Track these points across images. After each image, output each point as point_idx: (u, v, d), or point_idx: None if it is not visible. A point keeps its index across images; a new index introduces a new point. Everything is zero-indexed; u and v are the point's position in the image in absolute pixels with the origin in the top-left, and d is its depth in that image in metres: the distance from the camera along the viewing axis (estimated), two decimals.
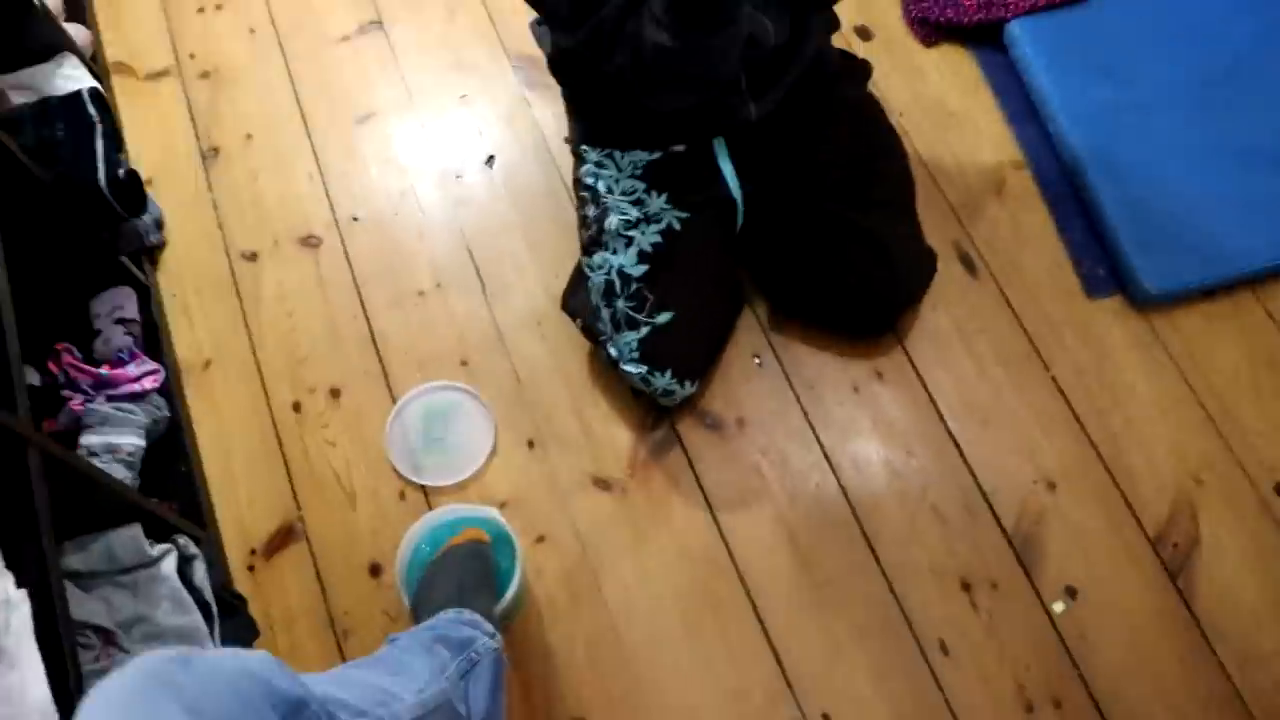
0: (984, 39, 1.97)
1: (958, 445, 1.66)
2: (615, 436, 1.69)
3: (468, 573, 1.40)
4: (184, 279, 1.87)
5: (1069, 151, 1.81)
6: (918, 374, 1.71)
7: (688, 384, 1.62)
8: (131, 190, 1.73)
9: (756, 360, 1.73)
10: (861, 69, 1.72)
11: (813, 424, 1.68)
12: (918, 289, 1.71)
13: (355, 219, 1.90)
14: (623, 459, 1.67)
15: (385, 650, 1.15)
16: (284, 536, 1.65)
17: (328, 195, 1.93)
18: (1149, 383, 1.69)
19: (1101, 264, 1.77)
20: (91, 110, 1.72)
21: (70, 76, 1.86)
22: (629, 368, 1.61)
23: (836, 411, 1.69)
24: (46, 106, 1.71)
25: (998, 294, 1.77)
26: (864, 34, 2.03)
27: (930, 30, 1.98)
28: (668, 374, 1.59)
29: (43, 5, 1.83)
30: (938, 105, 1.92)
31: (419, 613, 1.36)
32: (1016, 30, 1.91)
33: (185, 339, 1.82)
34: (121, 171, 1.70)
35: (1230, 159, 1.77)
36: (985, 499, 1.62)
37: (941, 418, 1.68)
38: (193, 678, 0.82)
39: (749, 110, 1.56)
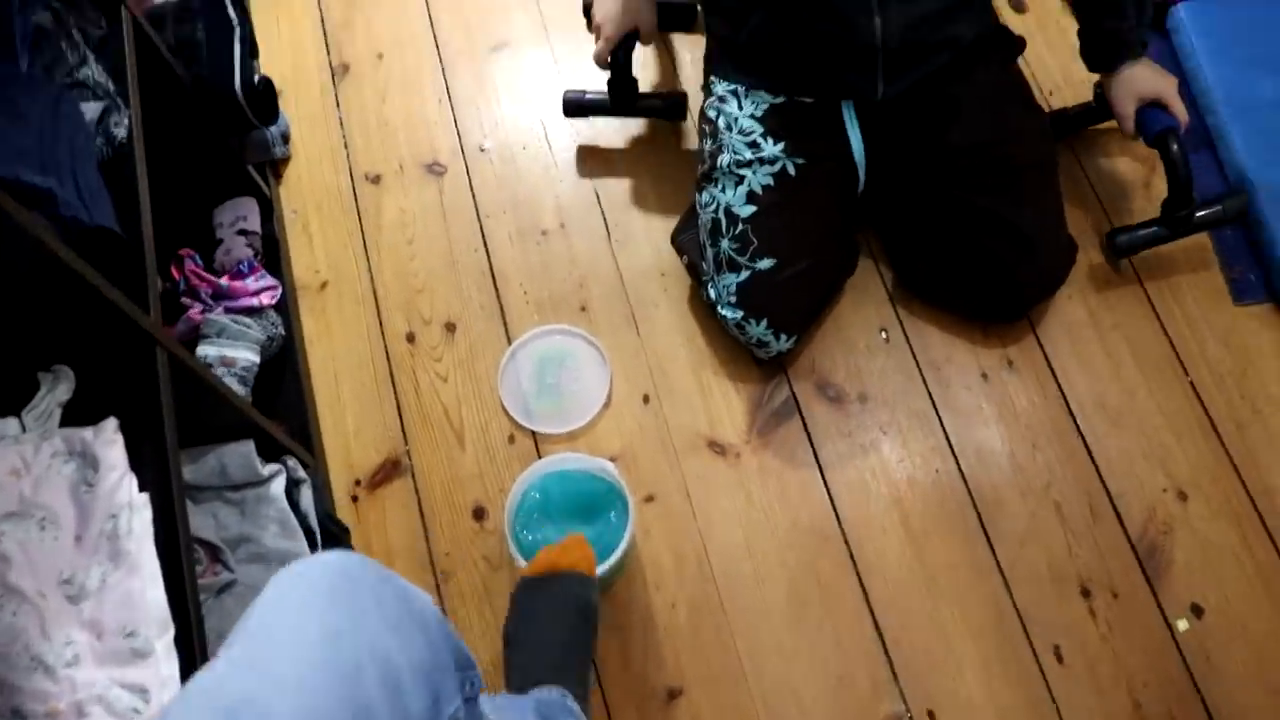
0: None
1: (1086, 444, 1.54)
2: (733, 400, 1.58)
3: (575, 638, 1.27)
4: (306, 196, 1.78)
5: (1229, 148, 1.66)
6: (1050, 366, 1.59)
7: (784, 337, 1.51)
8: (265, 98, 1.63)
9: (884, 334, 1.62)
10: (1010, 45, 1.58)
11: (937, 406, 1.57)
12: (1055, 280, 1.58)
13: (482, 149, 1.80)
14: (739, 424, 1.57)
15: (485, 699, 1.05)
16: (389, 470, 1.57)
17: (456, 123, 1.83)
18: None
19: (1253, 269, 1.63)
20: (231, 13, 1.62)
21: None
22: (725, 311, 1.51)
23: (963, 396, 1.58)
24: (188, 5, 1.61)
25: (1139, 289, 1.64)
26: (1018, 5, 1.89)
27: None
28: (763, 323, 1.49)
29: None
30: (1091, 87, 1.77)
31: (514, 648, 1.26)
32: (1183, 14, 1.76)
33: (303, 258, 1.74)
34: (257, 78, 1.61)
35: None
36: (1111, 503, 1.50)
37: (1071, 414, 1.56)
38: (392, 591, 0.77)
39: (877, 88, 1.45)
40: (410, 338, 1.66)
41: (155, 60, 1.40)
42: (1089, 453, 1.53)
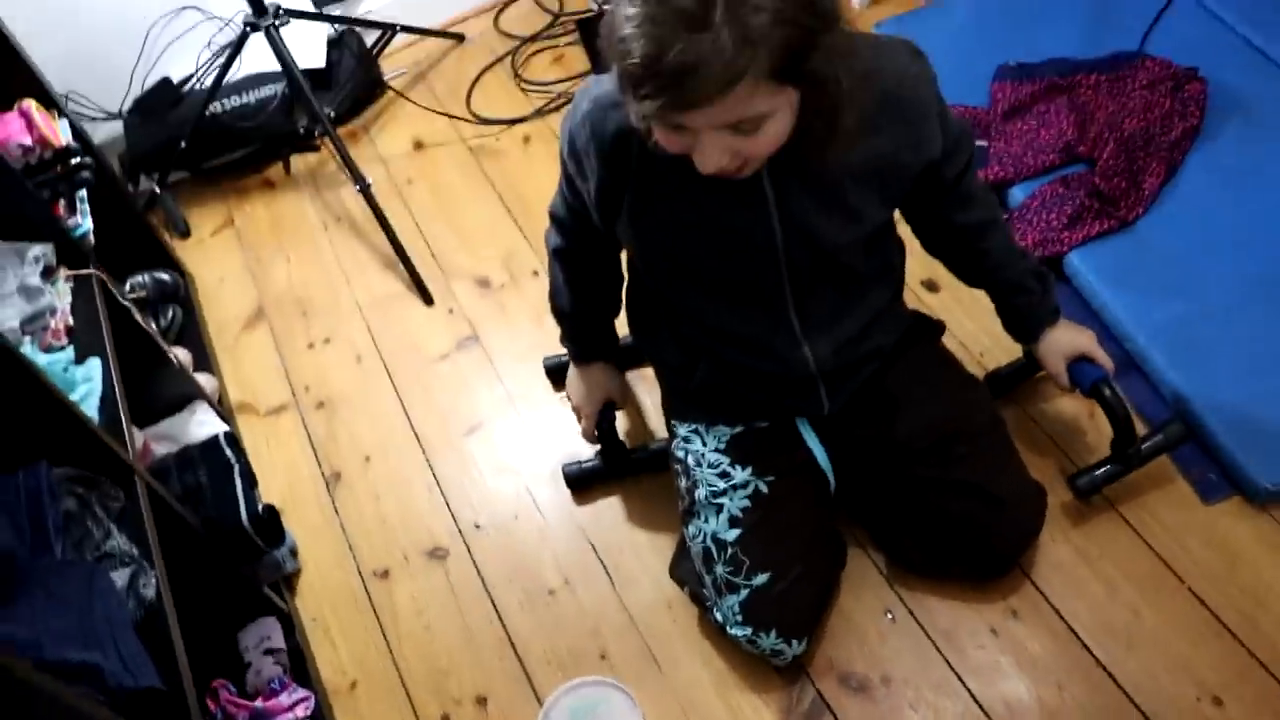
0: None
1: (1108, 672, 1.57)
2: (763, 713, 1.61)
3: None
4: (321, 602, 1.87)
5: (1155, 369, 1.80)
6: (1052, 606, 1.65)
7: (795, 642, 1.57)
8: (271, 524, 1.75)
9: (889, 616, 1.68)
10: (931, 330, 1.74)
11: (958, 672, 1.61)
12: (1033, 527, 1.67)
13: (478, 526, 1.91)
14: None
15: None
16: None
17: (449, 507, 1.94)
18: None
19: (1210, 469, 1.72)
20: (229, 453, 1.77)
21: (203, 422, 1.92)
22: (735, 630, 1.57)
23: (978, 656, 1.62)
24: (188, 454, 1.76)
25: (1113, 513, 1.72)
26: (931, 286, 2.07)
27: None
28: (773, 634, 1.55)
29: (177, 361, 1.91)
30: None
31: None
32: (1076, 261, 1.94)
33: (329, 662, 1.80)
34: (260, 508, 1.73)
35: None
36: None
37: (1086, 646, 1.60)
38: None
39: (823, 406, 1.59)
40: (446, 719, 1.70)
41: (169, 515, 1.52)
42: (1114, 680, 1.56)
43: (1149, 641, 1.59)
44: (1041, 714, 1.55)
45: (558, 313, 1.76)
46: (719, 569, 1.58)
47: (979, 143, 2.14)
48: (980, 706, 1.58)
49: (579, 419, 1.82)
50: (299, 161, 2.58)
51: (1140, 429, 1.76)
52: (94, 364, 1.58)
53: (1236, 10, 2.25)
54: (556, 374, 2.05)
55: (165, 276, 2.22)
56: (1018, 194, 2.06)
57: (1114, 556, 1.68)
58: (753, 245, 1.38)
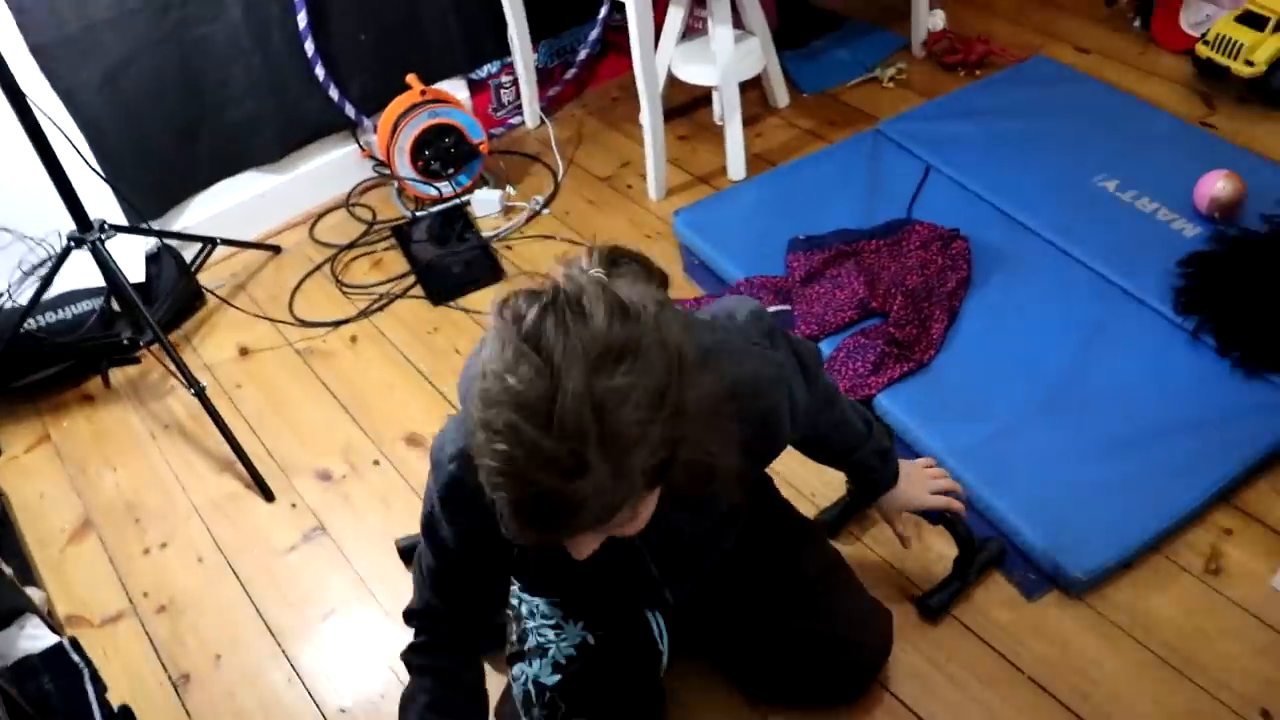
0: None
1: None
2: None
3: None
4: None
5: (966, 485, 1.96)
6: (911, 711, 1.74)
7: None
8: None
9: None
10: (762, 485, 1.83)
11: None
12: (884, 651, 1.77)
13: (343, 711, 1.85)
14: None
15: None
16: None
17: (311, 695, 1.88)
18: (1113, 657, 1.76)
19: (1029, 570, 1.89)
20: (75, 658, 1.68)
21: (35, 636, 1.81)
22: None
23: None
24: (28, 664, 1.67)
25: (953, 621, 1.85)
26: None
27: None
28: None
29: (6, 573, 1.82)
30: (844, 483, 2.07)
31: None
32: (885, 402, 2.13)
33: None
34: (116, 708, 1.64)
35: (1091, 453, 1.98)
36: None
37: None
38: None
39: (668, 600, 1.66)
40: None
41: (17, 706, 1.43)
42: None
43: None
44: None
45: None
46: (535, 712, 1.61)
47: (783, 307, 2.37)
48: None
49: None
50: (118, 374, 2.53)
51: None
52: None
53: (977, 179, 2.60)
54: (409, 554, 2.05)
55: None
56: (825, 348, 2.25)
57: (960, 659, 1.80)
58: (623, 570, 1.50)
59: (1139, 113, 2.79)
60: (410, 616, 1.53)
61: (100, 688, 1.66)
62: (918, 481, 1.79)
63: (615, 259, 1.13)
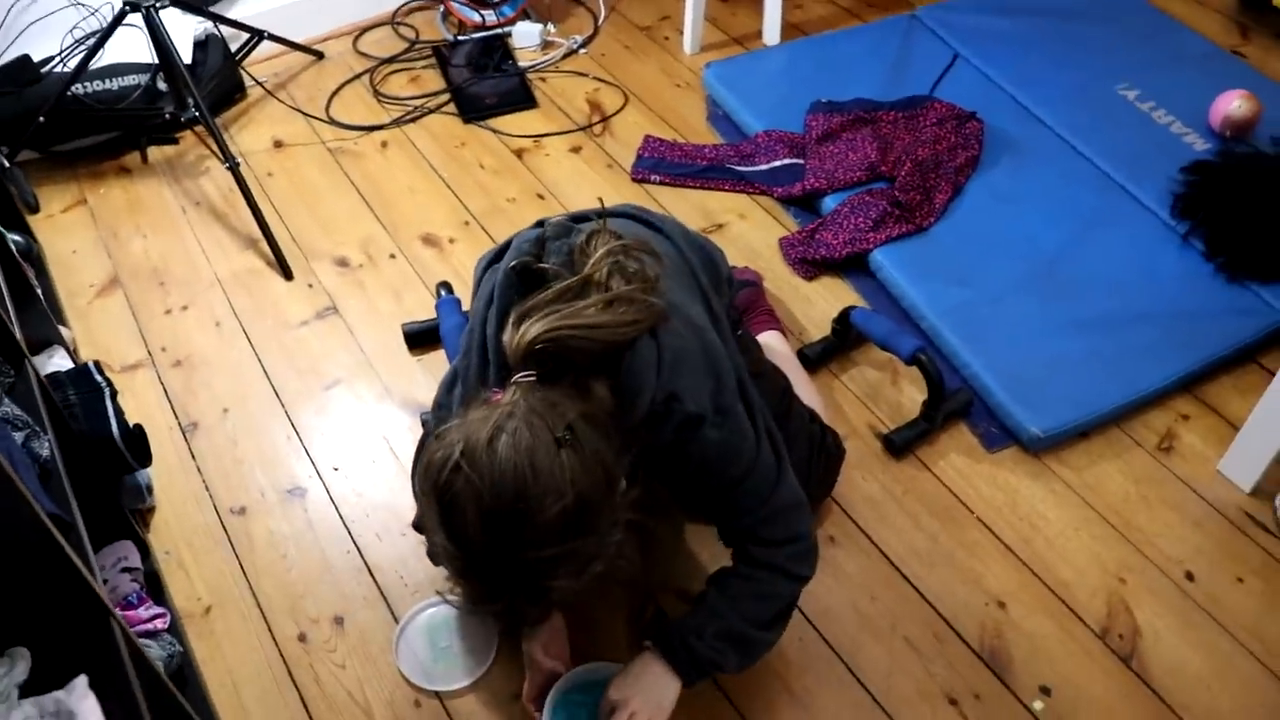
0: (853, 268, 2.25)
1: (913, 585, 1.76)
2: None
3: None
4: (176, 537, 1.86)
5: (945, 343, 2.05)
6: (864, 533, 1.83)
7: None
8: (139, 442, 1.75)
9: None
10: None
11: None
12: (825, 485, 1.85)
13: (336, 469, 1.95)
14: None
15: None
16: None
17: (307, 452, 1.98)
18: (1058, 510, 1.85)
19: (992, 424, 1.97)
20: (98, 378, 1.77)
21: (60, 366, 1.90)
22: None
23: None
24: (56, 378, 1.75)
25: (914, 459, 1.93)
26: (748, 282, 2.29)
27: (809, 267, 2.25)
28: None
29: (42, 307, 1.90)
30: (829, 322, 2.14)
31: None
32: (880, 258, 2.19)
33: (183, 590, 1.79)
34: (131, 425, 1.74)
35: (1069, 328, 2.05)
36: (948, 624, 1.71)
37: (894, 564, 1.79)
38: None
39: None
40: (302, 637, 1.72)
41: (50, 403, 1.52)
42: (918, 591, 1.75)
43: (946, 560, 1.79)
44: (859, 619, 1.72)
45: None
46: None
47: (795, 160, 2.42)
48: (805, 615, 1.73)
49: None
50: (156, 152, 2.60)
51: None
52: None
53: (1002, 72, 2.63)
54: (414, 339, 2.14)
55: (17, 237, 2.20)
56: (830, 202, 2.31)
57: (916, 494, 1.89)
58: None
59: (1173, 31, 2.79)
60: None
61: (118, 407, 1.75)
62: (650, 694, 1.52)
63: (550, 359, 1.28)
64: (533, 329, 1.27)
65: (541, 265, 1.38)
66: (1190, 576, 1.76)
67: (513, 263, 1.39)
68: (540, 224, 1.48)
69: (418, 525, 1.66)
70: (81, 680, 1.11)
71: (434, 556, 1.62)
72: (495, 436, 1.18)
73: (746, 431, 1.45)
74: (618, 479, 1.27)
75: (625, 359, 1.32)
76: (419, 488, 1.26)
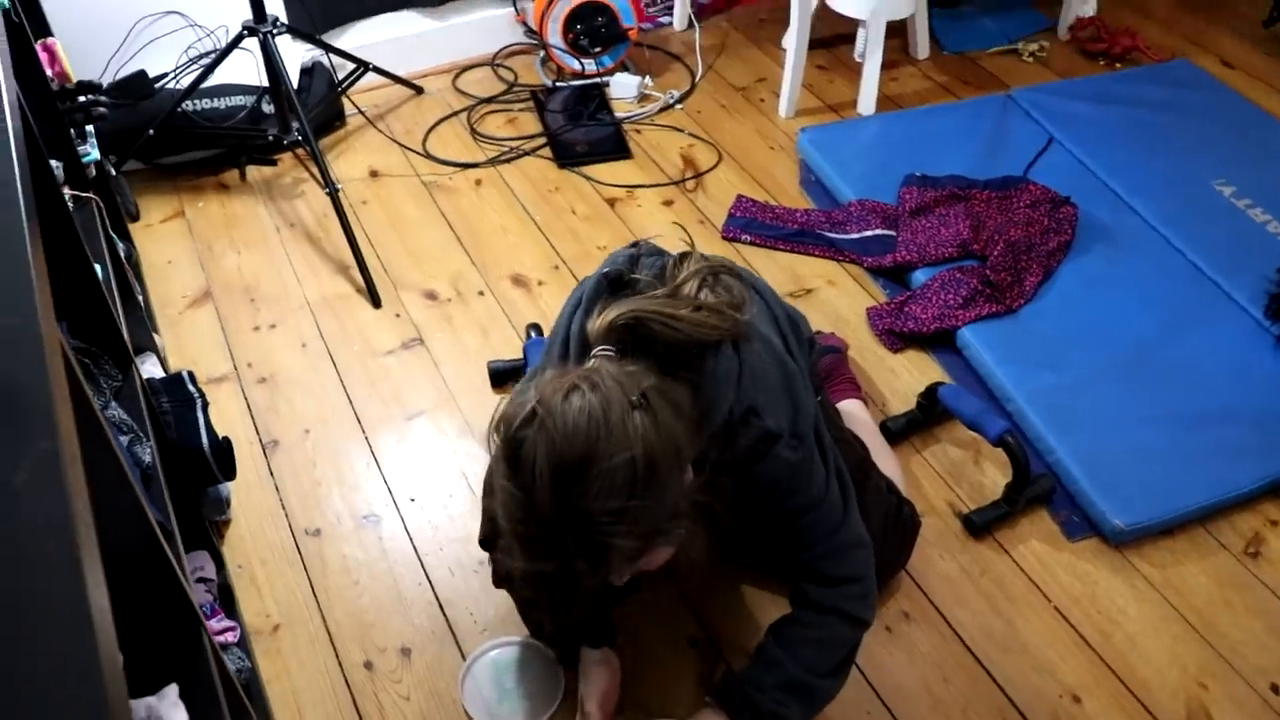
0: (940, 344, 2.23)
1: (986, 669, 1.72)
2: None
3: None
4: (250, 553, 1.87)
5: (1030, 425, 2.03)
6: (939, 612, 1.80)
7: None
8: (227, 455, 1.76)
9: None
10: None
11: (856, 663, 1.72)
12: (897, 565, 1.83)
13: (412, 500, 1.96)
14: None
15: None
16: None
17: (385, 480, 1.99)
18: (1138, 607, 1.81)
19: (1074, 512, 1.94)
20: (191, 388, 1.79)
21: (151, 373, 1.93)
22: None
23: (876, 651, 1.74)
24: (152, 384, 1.77)
25: (993, 542, 1.90)
26: (834, 348, 2.28)
27: (896, 339, 2.24)
28: None
29: (145, 305, 1.93)
30: (914, 397, 2.12)
31: None
32: (968, 335, 2.18)
33: (253, 606, 1.79)
34: (220, 437, 1.75)
35: (1156, 420, 2.01)
36: (1021, 714, 1.67)
37: (968, 647, 1.75)
38: None
39: None
40: (368, 665, 1.71)
41: (151, 409, 1.54)
42: (991, 676, 1.71)
43: (1021, 647, 1.75)
44: (930, 700, 1.68)
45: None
46: None
47: (887, 232, 2.42)
48: (875, 691, 1.70)
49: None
50: (255, 172, 2.65)
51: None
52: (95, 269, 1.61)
53: (1096, 159, 2.62)
54: (499, 376, 2.14)
55: (120, 243, 2.24)
56: (920, 276, 2.30)
57: (993, 576, 1.85)
58: None
59: (1270, 128, 2.77)
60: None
61: (208, 419, 1.77)
62: None
63: (630, 338, 1.30)
64: (617, 309, 1.31)
65: (634, 276, 1.41)
66: (1276, 689, 1.71)
67: (605, 269, 1.43)
68: (635, 244, 1.52)
69: (485, 541, 1.64)
70: (173, 689, 1.11)
71: (495, 558, 1.61)
72: (571, 392, 1.20)
73: (818, 464, 1.45)
74: (687, 458, 1.28)
75: (707, 364, 1.34)
76: (492, 442, 1.25)
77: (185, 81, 2.49)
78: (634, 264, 1.45)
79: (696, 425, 1.29)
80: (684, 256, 1.43)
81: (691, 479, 1.29)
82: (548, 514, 1.17)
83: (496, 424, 1.23)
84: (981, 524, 1.90)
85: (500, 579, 1.66)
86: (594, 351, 1.31)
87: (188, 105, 2.49)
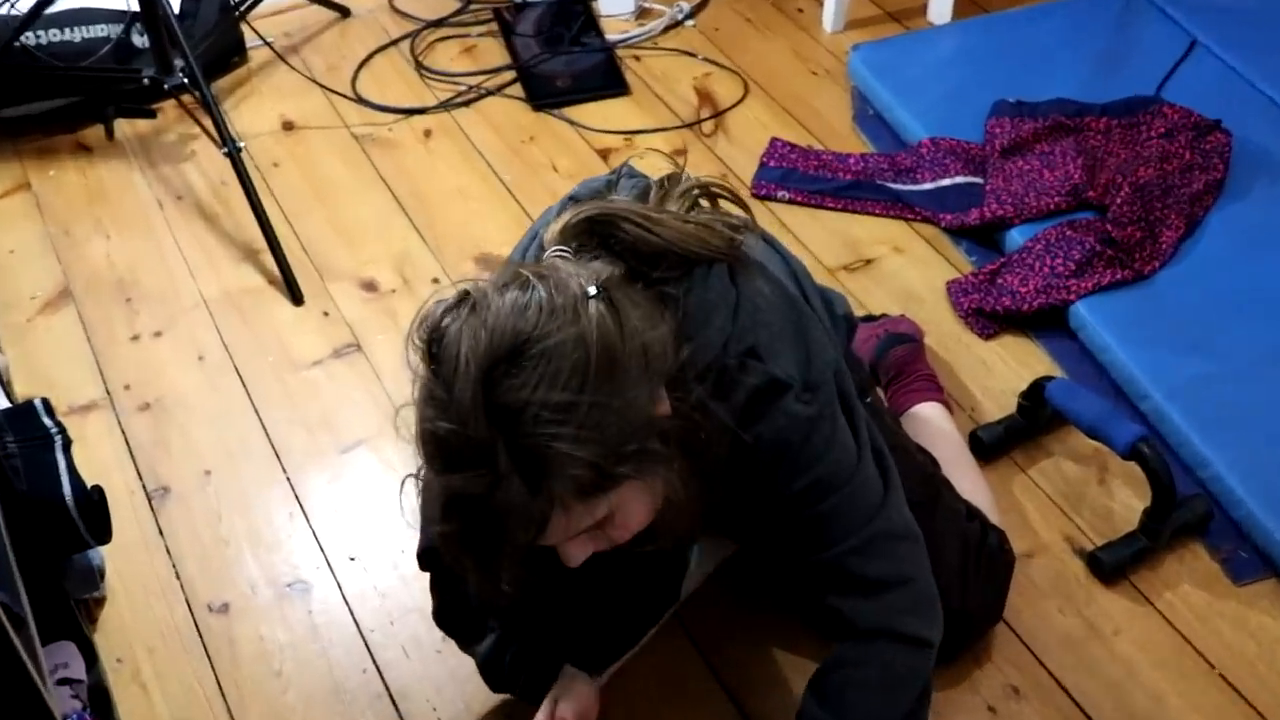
0: (1048, 325, 2.21)
1: None
2: None
3: None
4: (133, 640, 1.85)
5: (1175, 430, 2.00)
6: (1060, 685, 1.77)
7: None
8: (99, 510, 1.74)
9: None
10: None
11: None
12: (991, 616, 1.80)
13: (353, 559, 1.94)
14: None
15: None
16: None
17: (314, 534, 1.97)
18: None
19: (1241, 545, 1.90)
20: (47, 421, 1.76)
21: None
22: None
23: None
24: None
25: (1130, 588, 1.87)
26: (906, 336, 2.25)
27: (987, 321, 2.22)
28: None
29: None
30: (1014, 397, 2.10)
31: None
32: (1084, 313, 2.15)
33: (138, 712, 1.77)
34: (89, 486, 1.73)
35: None
36: None
37: None
38: None
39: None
40: None
41: None
42: None
43: None
44: None
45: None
46: None
47: (972, 179, 2.40)
48: None
49: None
50: (126, 126, 2.65)
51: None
52: None
53: (1258, 67, 2.59)
54: None
55: None
56: (1017, 236, 2.29)
57: (1133, 636, 1.82)
58: None
59: None
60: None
61: (72, 461, 1.74)
62: None
63: (593, 241, 1.30)
64: (583, 210, 1.31)
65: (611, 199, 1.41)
66: None
67: (572, 193, 1.43)
68: (615, 171, 1.52)
69: (423, 555, 1.63)
70: None
71: (438, 586, 1.64)
72: (507, 286, 1.19)
73: (843, 427, 1.42)
74: (659, 371, 1.24)
75: (694, 283, 1.33)
76: (411, 347, 1.24)
77: (23, 5, 2.48)
78: (611, 189, 1.45)
79: (674, 340, 1.27)
80: (671, 178, 1.42)
81: (666, 409, 1.26)
82: (472, 410, 1.14)
83: (416, 325, 1.23)
84: (1112, 565, 1.87)
85: (425, 556, 1.63)
86: (546, 254, 1.30)
87: (29, 38, 2.49)
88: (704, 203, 1.40)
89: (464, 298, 1.19)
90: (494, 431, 1.14)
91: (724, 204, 1.44)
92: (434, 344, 1.19)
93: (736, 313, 1.33)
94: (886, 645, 1.46)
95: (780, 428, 1.35)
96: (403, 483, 1.35)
